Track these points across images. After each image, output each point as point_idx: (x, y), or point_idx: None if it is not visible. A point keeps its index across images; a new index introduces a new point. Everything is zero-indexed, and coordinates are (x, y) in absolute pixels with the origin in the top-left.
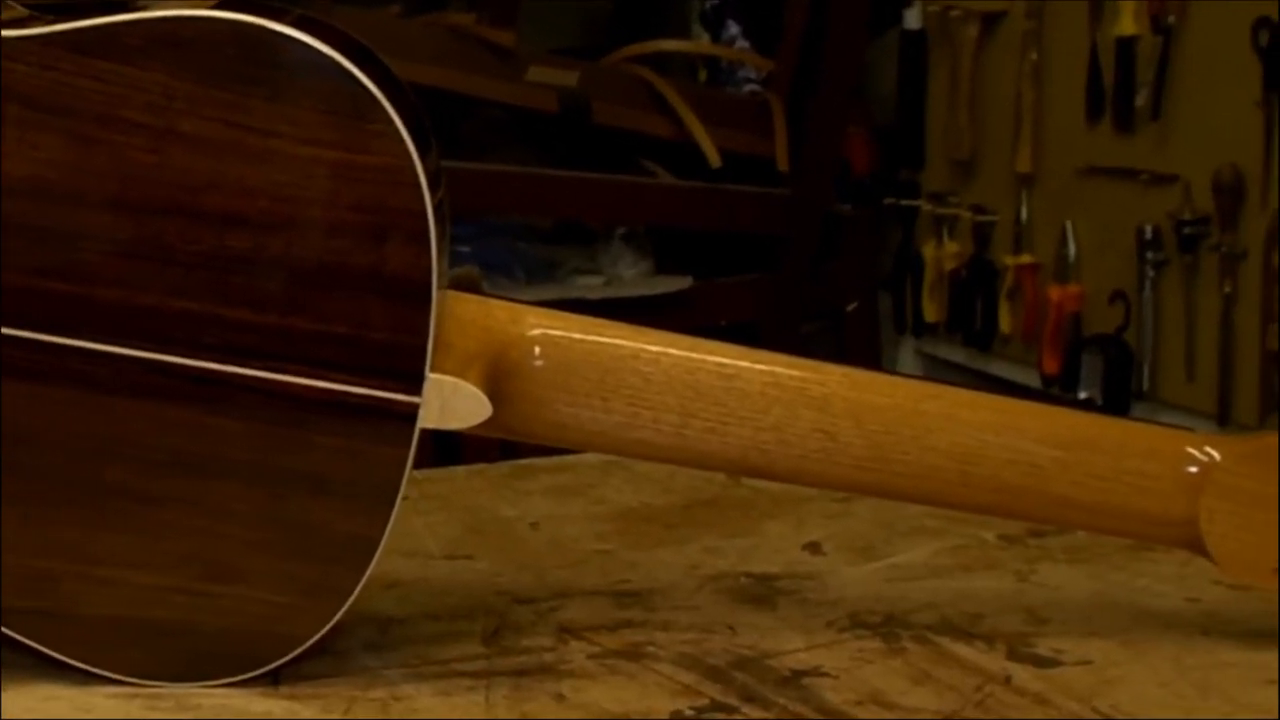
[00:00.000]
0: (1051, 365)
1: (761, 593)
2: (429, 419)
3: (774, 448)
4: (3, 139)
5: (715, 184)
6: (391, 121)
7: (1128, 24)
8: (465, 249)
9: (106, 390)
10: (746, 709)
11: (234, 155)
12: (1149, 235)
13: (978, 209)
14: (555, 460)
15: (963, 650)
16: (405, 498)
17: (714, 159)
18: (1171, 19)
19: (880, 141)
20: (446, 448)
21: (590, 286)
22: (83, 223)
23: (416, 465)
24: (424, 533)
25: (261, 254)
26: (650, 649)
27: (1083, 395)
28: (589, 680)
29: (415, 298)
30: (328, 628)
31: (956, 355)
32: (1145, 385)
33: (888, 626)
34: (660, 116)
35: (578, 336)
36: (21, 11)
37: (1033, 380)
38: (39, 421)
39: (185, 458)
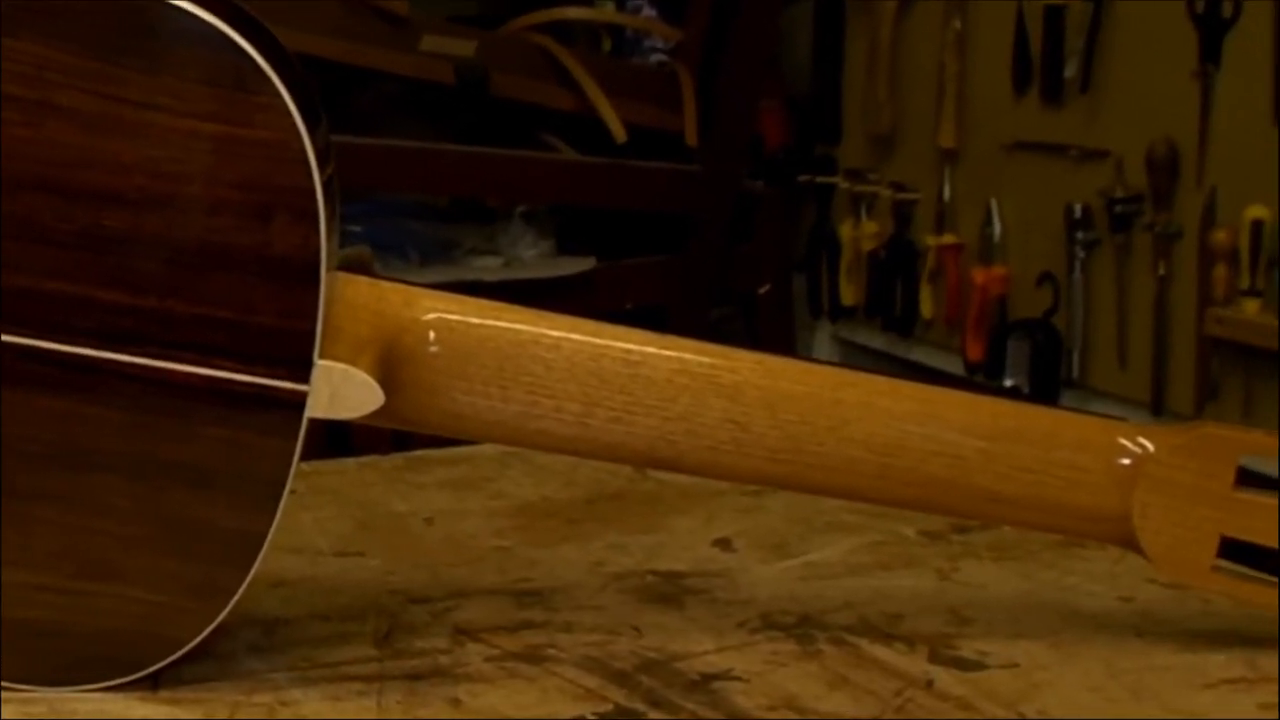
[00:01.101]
0: (976, 351)
1: (669, 592)
2: (318, 408)
3: (682, 438)
4: None
5: (620, 160)
6: (278, 94)
7: None
8: (356, 228)
9: None
10: (653, 714)
11: (110, 129)
12: (1078, 214)
13: (897, 186)
14: (451, 451)
15: (882, 653)
16: (292, 491)
17: (619, 133)
18: None
19: (795, 115)
20: (336, 438)
21: (488, 268)
22: None
23: (305, 457)
24: (312, 528)
25: (139, 233)
26: (551, 651)
27: (1009, 383)
28: (486, 684)
29: (303, 279)
30: (210, 629)
31: (875, 341)
32: (1075, 372)
33: (802, 628)
34: (562, 89)
35: (475, 321)
36: None
37: (956, 367)
38: None
39: (60, 450)
